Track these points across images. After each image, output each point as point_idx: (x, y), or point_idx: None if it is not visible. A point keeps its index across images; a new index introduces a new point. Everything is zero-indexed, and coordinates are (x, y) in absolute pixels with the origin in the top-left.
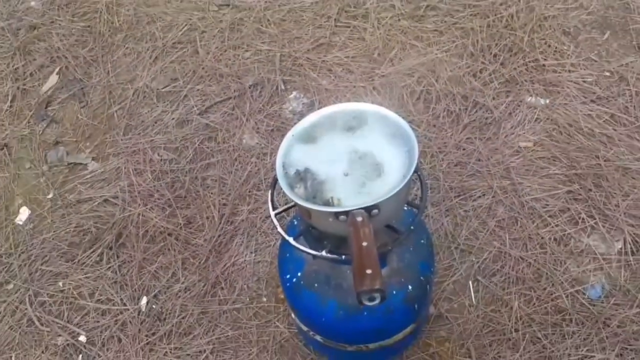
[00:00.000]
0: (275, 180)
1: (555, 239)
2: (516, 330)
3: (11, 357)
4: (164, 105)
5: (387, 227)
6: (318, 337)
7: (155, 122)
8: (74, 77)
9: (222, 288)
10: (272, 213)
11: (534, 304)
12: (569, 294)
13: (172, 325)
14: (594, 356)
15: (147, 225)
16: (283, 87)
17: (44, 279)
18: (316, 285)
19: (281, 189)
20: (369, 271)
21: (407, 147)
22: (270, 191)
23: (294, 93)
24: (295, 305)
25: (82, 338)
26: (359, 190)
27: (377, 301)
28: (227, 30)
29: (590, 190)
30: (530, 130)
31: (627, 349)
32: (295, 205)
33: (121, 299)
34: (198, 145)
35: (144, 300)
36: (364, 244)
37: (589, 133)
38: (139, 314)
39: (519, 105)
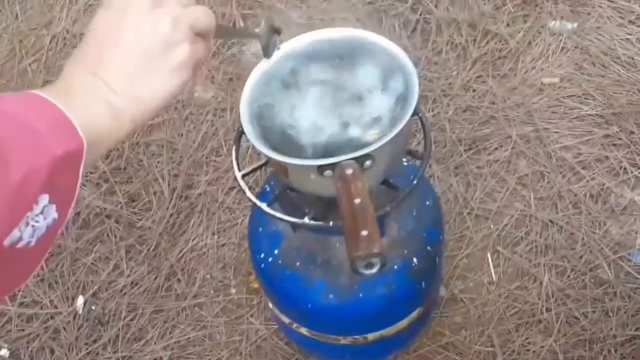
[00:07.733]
0: (241, 133)
1: (591, 196)
2: (548, 310)
3: None
4: None
5: (384, 185)
6: (304, 330)
7: None
8: None
9: (179, 280)
10: (239, 175)
11: (569, 276)
12: (611, 261)
13: (118, 330)
14: None
15: (78, 206)
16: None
17: None
18: (298, 264)
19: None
20: (364, 232)
21: (403, 80)
22: (234, 147)
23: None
24: (274, 291)
25: (4, 352)
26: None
27: (376, 268)
28: None
29: (633, 132)
30: (555, 63)
31: None
32: (268, 162)
33: (51, 300)
34: None
35: (80, 300)
36: (357, 200)
37: (629, 62)
38: (75, 318)
39: (540, 32)
